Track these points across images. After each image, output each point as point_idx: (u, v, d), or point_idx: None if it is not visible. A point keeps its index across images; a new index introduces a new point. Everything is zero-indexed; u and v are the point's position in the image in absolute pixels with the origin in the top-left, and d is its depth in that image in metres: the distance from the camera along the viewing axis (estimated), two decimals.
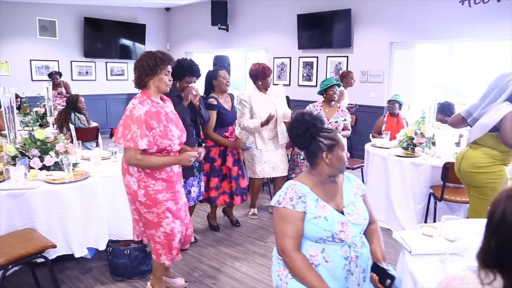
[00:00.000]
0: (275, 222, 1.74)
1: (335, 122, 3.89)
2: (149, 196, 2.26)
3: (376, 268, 1.73)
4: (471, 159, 2.71)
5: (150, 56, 2.20)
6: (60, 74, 7.05)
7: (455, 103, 5.65)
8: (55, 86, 6.79)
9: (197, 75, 3.14)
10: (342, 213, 1.73)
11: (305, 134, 1.72)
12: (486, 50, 5.70)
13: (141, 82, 2.24)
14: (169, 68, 2.26)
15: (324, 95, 3.97)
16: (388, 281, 1.65)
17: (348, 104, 5.28)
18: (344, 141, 4.79)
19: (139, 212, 2.33)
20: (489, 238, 0.89)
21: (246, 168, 3.95)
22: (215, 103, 3.41)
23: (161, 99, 2.35)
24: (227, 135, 3.50)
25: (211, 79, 3.48)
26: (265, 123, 3.62)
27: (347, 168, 4.38)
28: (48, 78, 6.96)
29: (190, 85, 3.02)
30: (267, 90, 3.81)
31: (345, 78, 5.15)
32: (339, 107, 4.04)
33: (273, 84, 3.98)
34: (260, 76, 3.74)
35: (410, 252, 1.67)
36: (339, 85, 3.98)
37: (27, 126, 3.11)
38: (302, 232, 1.69)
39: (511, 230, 0.85)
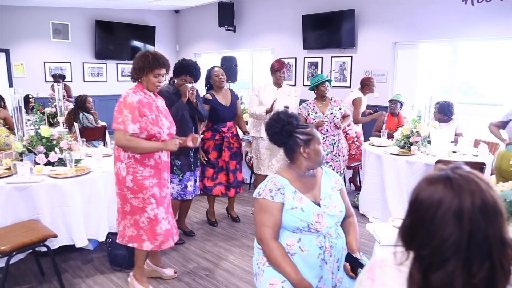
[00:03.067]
0: (255, 212, 1.85)
1: (331, 114, 3.90)
2: (136, 181, 2.41)
3: (349, 258, 1.82)
4: (509, 157, 2.79)
5: (142, 58, 2.40)
6: (62, 77, 7.17)
7: (459, 102, 5.70)
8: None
9: (193, 75, 3.23)
10: (318, 205, 1.83)
11: (282, 131, 1.83)
12: (490, 49, 5.68)
13: (133, 78, 2.47)
14: (160, 71, 2.41)
15: (316, 91, 3.98)
16: (359, 270, 1.74)
17: (367, 111, 5.13)
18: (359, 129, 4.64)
19: (124, 199, 2.47)
20: (406, 216, 0.98)
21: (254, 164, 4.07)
22: (210, 98, 3.58)
23: (153, 94, 2.52)
24: (224, 130, 3.62)
25: (208, 78, 3.66)
26: (270, 110, 3.71)
27: (347, 167, 4.49)
28: (53, 80, 7.11)
29: (186, 84, 3.15)
30: (279, 85, 3.94)
31: (366, 86, 4.92)
32: (331, 99, 4.01)
33: (288, 84, 4.09)
34: (271, 70, 3.94)
35: (379, 243, 1.76)
36: (329, 81, 4.00)
37: (34, 124, 3.29)
38: (280, 222, 1.79)
39: (421, 208, 0.93)
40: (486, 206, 0.89)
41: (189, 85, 3.16)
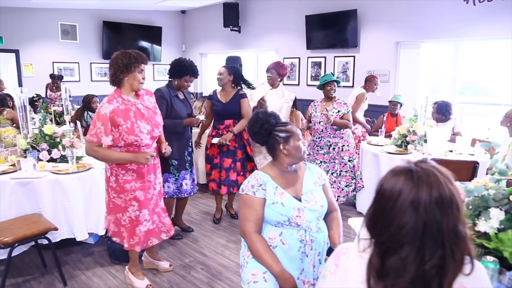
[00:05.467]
0: (239, 207, 1.94)
1: (325, 114, 3.94)
2: (118, 183, 2.48)
3: (331, 252, 1.88)
4: None
5: (125, 55, 2.36)
6: (60, 78, 7.11)
7: (461, 102, 5.70)
8: (57, 88, 6.90)
9: (196, 75, 3.37)
10: (300, 200, 1.90)
11: (261, 130, 1.91)
12: (491, 49, 5.68)
13: (116, 80, 2.40)
14: (143, 66, 2.42)
15: (323, 91, 4.01)
16: None
17: (366, 120, 5.20)
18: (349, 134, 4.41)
19: (109, 196, 2.55)
20: (371, 205, 1.05)
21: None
22: (211, 94, 3.77)
23: (136, 94, 2.49)
24: (221, 127, 3.69)
25: None
26: (256, 107, 3.85)
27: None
28: (51, 80, 7.06)
29: (198, 117, 3.38)
30: (274, 86, 4.04)
31: (369, 82, 5.02)
32: (336, 100, 3.99)
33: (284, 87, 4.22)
34: None
35: (359, 237, 1.82)
36: (337, 82, 4.03)
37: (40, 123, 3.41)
38: (262, 217, 1.87)
39: (383, 197, 1.00)
40: (442, 199, 0.95)
41: (201, 119, 3.41)
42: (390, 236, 0.97)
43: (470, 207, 1.56)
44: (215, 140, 3.62)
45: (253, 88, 3.88)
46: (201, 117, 3.40)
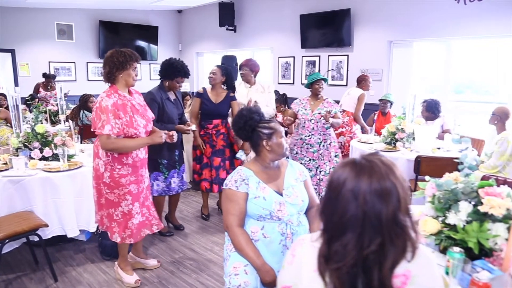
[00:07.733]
0: (222, 202, 1.99)
1: (319, 113, 3.91)
2: (113, 178, 2.52)
3: None
4: None
5: (120, 53, 2.45)
6: (53, 77, 7.08)
7: (454, 100, 5.76)
8: (51, 87, 6.86)
9: (188, 76, 3.38)
10: (281, 194, 1.96)
11: (245, 126, 1.96)
12: (483, 47, 5.72)
13: (111, 77, 2.48)
14: (136, 64, 2.51)
15: (311, 89, 4.02)
16: None
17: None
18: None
19: (100, 193, 2.59)
20: (324, 195, 1.11)
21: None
22: (201, 92, 3.74)
23: (129, 92, 2.58)
24: (209, 127, 3.72)
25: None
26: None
27: None
28: (44, 79, 6.99)
29: (192, 127, 3.42)
30: (249, 82, 4.07)
31: (364, 81, 5.12)
32: (325, 99, 4.00)
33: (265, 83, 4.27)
34: None
35: None
36: (325, 80, 4.04)
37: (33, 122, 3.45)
38: (244, 211, 1.92)
39: (331, 187, 1.06)
40: (381, 189, 1.00)
41: (192, 128, 3.42)
42: (334, 223, 1.03)
43: (442, 200, 1.61)
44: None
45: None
46: (193, 127, 3.43)
